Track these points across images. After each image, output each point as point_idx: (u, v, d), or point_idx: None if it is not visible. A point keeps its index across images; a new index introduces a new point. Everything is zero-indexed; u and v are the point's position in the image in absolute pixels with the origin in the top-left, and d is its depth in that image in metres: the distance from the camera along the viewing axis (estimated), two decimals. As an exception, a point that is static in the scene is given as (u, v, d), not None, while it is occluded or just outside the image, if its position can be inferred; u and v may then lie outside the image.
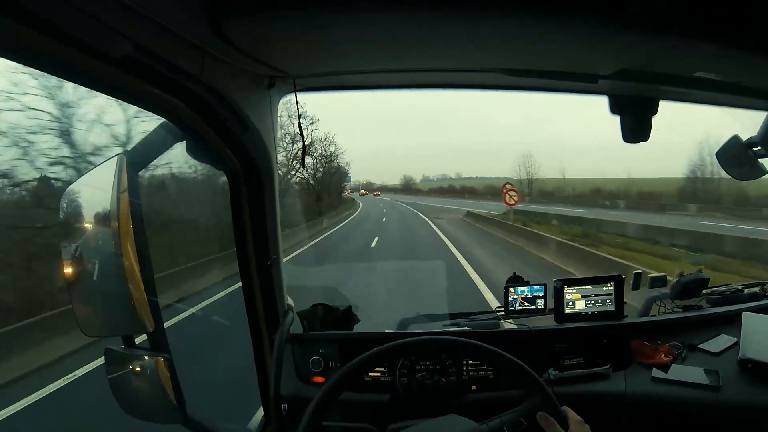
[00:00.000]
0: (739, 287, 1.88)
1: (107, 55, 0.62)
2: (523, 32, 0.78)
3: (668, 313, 1.74)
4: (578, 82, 1.02)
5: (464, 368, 1.42)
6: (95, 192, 1.03)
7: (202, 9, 0.66)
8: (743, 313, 1.56)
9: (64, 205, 1.05)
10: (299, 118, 1.05)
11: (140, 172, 0.99)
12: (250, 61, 0.86)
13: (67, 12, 0.53)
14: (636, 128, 1.19)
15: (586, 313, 1.62)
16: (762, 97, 1.19)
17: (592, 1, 0.69)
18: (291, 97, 1.09)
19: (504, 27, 0.75)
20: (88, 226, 1.04)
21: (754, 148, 1.43)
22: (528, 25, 0.74)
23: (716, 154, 1.49)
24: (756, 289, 1.91)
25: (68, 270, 1.04)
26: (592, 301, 1.62)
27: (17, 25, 0.52)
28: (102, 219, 1.01)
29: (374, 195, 60.39)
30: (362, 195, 58.05)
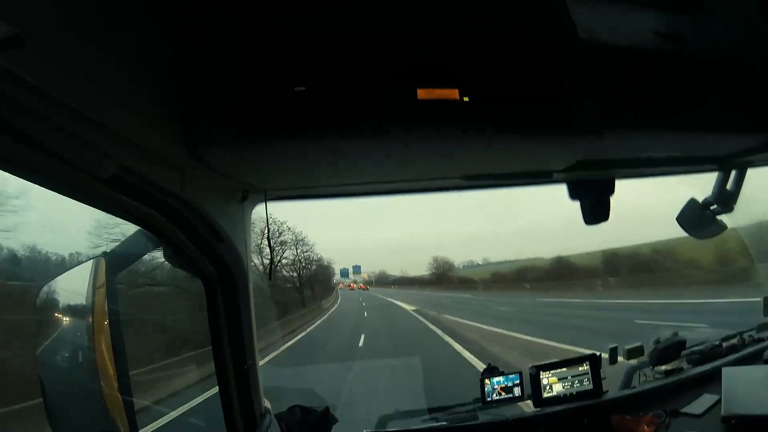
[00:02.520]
0: (717, 342, 1.90)
1: (96, 175, 0.66)
2: (477, 145, 0.83)
3: (650, 381, 1.74)
4: (535, 179, 1.09)
5: None
6: (73, 289, 1.03)
7: (181, 136, 0.71)
8: (723, 368, 1.57)
9: (42, 299, 1.05)
10: (268, 232, 1.09)
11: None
12: (224, 178, 0.90)
13: (60, 136, 0.57)
14: (596, 210, 1.25)
15: (565, 395, 1.62)
16: (709, 162, 1.28)
17: (538, 114, 0.76)
18: (263, 207, 1.14)
19: (458, 142, 0.81)
20: (64, 320, 1.04)
21: (711, 207, 1.51)
22: (481, 139, 0.80)
23: (677, 218, 1.57)
24: (734, 341, 1.94)
25: (41, 363, 1.02)
26: (569, 383, 1.63)
27: (16, 144, 0.55)
28: (77, 316, 1.01)
29: (349, 288, 52.85)
30: (342, 287, 53.00)
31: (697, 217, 1.55)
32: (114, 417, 0.96)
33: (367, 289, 52.77)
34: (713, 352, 1.83)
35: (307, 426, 1.48)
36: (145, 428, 3.57)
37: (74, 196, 0.71)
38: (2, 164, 0.60)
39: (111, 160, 0.65)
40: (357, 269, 51.82)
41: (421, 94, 0.71)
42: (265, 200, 1.11)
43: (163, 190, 0.79)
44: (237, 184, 0.98)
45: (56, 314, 1.08)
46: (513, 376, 1.63)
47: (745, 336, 1.97)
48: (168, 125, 0.69)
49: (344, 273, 49.31)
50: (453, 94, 0.72)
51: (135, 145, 0.66)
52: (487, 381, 1.62)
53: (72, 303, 1.07)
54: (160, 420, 4.51)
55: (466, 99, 0.72)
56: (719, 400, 1.48)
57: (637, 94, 0.85)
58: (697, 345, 1.90)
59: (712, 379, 1.59)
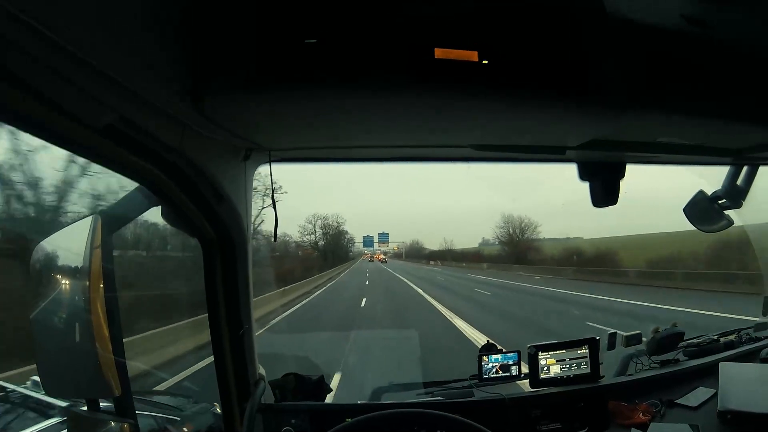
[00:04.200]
0: (715, 337, 1.90)
1: (91, 125, 0.64)
2: (492, 112, 0.81)
3: (645, 369, 1.74)
4: (546, 153, 1.07)
5: None
6: (67, 249, 1.01)
7: (184, 86, 0.68)
8: (720, 363, 1.57)
9: (37, 258, 1.03)
10: (273, 191, 1.06)
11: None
12: (228, 134, 0.88)
13: (57, 82, 0.55)
14: (605, 193, 1.23)
15: (562, 377, 1.61)
16: (722, 154, 1.26)
17: (559, 83, 0.73)
18: (265, 167, 1.11)
19: (473, 107, 0.79)
20: (58, 280, 1.02)
21: (720, 201, 1.50)
22: (496, 106, 0.78)
23: (684, 210, 1.55)
24: (732, 337, 1.94)
25: (34, 323, 1.01)
26: (567, 365, 1.62)
27: (12, 90, 0.53)
28: (72, 276, 0.99)
29: (369, 260, 49.03)
30: (364, 259, 50.42)
31: (704, 210, 1.54)
32: (108, 379, 0.95)
33: (385, 261, 47.80)
34: (710, 347, 1.83)
35: (301, 394, 1.49)
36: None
37: (69, 147, 0.69)
38: None
39: (108, 109, 0.63)
40: (383, 237, 45.46)
41: (439, 53, 0.68)
42: (269, 159, 1.08)
43: (163, 144, 0.76)
44: (240, 141, 0.95)
45: (51, 274, 1.06)
46: (511, 354, 1.62)
47: (743, 334, 1.97)
48: (171, 74, 0.66)
49: (368, 242, 44.64)
50: (472, 56, 0.69)
51: (134, 94, 0.64)
52: (485, 358, 1.61)
53: (68, 263, 1.04)
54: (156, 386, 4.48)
55: (485, 62, 0.69)
56: (715, 394, 1.48)
57: (658, 75, 0.82)
58: (694, 338, 1.90)
59: (709, 373, 1.59)
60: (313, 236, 39.14)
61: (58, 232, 1.05)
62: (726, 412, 1.37)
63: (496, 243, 42.25)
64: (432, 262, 47.95)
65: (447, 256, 49.72)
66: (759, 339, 1.92)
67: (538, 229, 39.45)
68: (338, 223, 40.98)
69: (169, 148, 0.78)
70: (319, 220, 39.78)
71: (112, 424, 0.99)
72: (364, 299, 14.36)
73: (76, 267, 0.98)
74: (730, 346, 1.87)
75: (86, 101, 0.60)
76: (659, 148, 1.15)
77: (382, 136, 1.01)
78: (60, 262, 1.04)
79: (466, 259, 44.47)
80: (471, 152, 1.09)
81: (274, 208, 1.06)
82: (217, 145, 0.92)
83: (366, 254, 51.13)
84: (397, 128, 0.92)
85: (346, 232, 42.91)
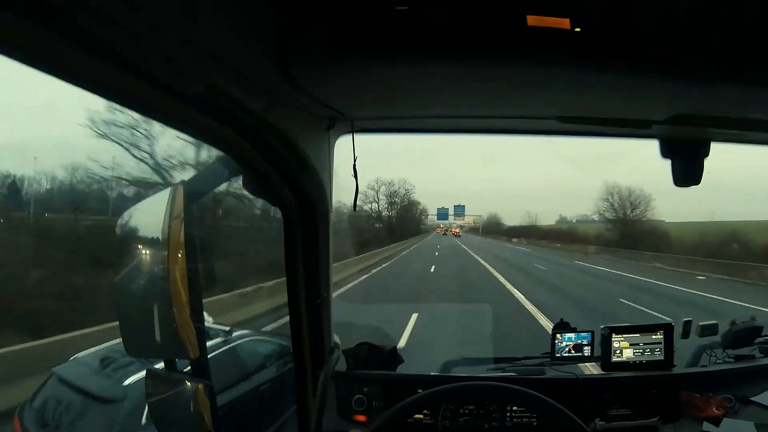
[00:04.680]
0: (794, 335, 1.77)
1: (179, 92, 0.66)
2: (581, 82, 0.78)
3: (719, 363, 1.65)
4: (631, 127, 1.02)
5: (508, 414, 1.38)
6: (151, 217, 1.07)
7: (271, 53, 0.69)
8: None
9: (120, 227, 1.10)
10: (354, 161, 1.07)
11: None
12: (312, 102, 0.89)
13: (143, 50, 0.57)
14: (687, 172, 1.16)
15: (634, 362, 1.56)
16: None
17: (650, 53, 0.69)
18: (348, 138, 1.12)
19: (560, 77, 0.76)
20: (140, 248, 1.08)
21: None
22: (586, 76, 0.75)
23: None
24: (812, 338, 1.79)
25: (118, 288, 1.07)
26: (641, 350, 1.56)
27: (99, 60, 0.55)
28: (154, 244, 1.04)
29: (444, 234, 45.62)
30: (438, 232, 47.47)
31: None
32: (184, 341, 1.00)
33: (459, 235, 44.56)
34: (789, 345, 1.70)
35: (374, 364, 1.52)
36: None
37: (154, 115, 0.71)
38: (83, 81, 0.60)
39: (195, 77, 0.64)
40: (459, 210, 40.72)
41: (531, 20, 0.66)
42: (352, 129, 1.09)
43: (248, 111, 0.78)
44: (324, 110, 0.96)
45: (133, 242, 1.12)
46: (585, 334, 1.58)
47: (824, 335, 1.82)
48: (257, 38, 0.67)
49: (442, 214, 40.82)
50: (564, 23, 0.66)
51: (220, 61, 0.65)
52: (558, 336, 1.58)
53: (149, 231, 1.10)
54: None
55: (577, 30, 0.67)
56: None
57: (752, 45, 0.75)
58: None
59: None
60: (375, 204, 35.02)
61: (142, 202, 1.11)
62: None
63: (596, 219, 33.77)
64: (515, 240, 41.99)
65: (531, 233, 42.15)
66: (841, 342, 1.76)
67: (653, 204, 30.11)
68: (406, 190, 36.98)
69: (255, 116, 0.80)
70: (383, 186, 35.77)
71: (188, 384, 1.05)
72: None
73: (157, 235, 1.04)
74: (810, 346, 1.73)
75: (172, 68, 0.61)
76: (748, 125, 1.07)
77: (466, 107, 0.99)
78: (142, 231, 1.10)
79: (554, 238, 36.39)
80: (555, 124, 1.05)
81: (356, 177, 1.07)
82: (301, 114, 0.93)
83: (440, 227, 47.84)
84: (483, 98, 0.90)
85: (418, 203, 39.68)
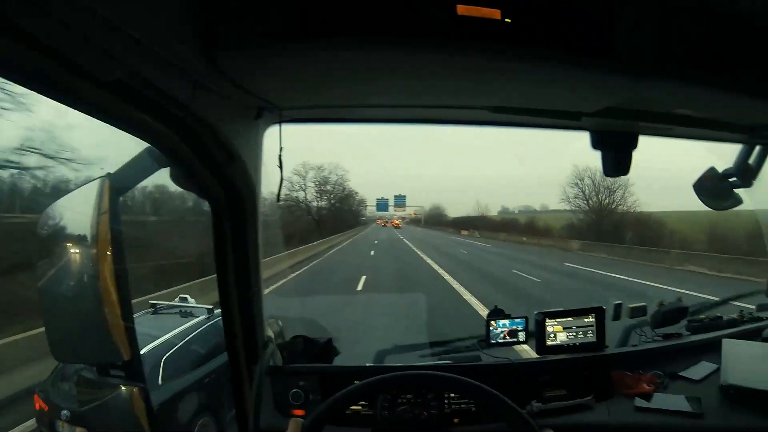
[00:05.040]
0: (719, 315, 1.91)
1: (99, 79, 0.62)
2: (512, 72, 0.80)
3: (649, 342, 1.75)
4: (562, 119, 1.05)
5: (446, 401, 1.40)
6: (75, 213, 1.01)
7: (196, 39, 0.67)
8: (723, 339, 1.58)
9: (44, 224, 1.03)
10: (280, 151, 1.05)
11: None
12: (240, 91, 0.86)
13: (63, 34, 0.54)
14: (617, 163, 1.23)
15: (568, 344, 1.62)
16: (737, 131, 1.25)
17: (581, 45, 0.72)
18: (277, 128, 1.09)
19: (491, 67, 0.78)
20: (66, 245, 1.02)
21: (730, 179, 1.49)
22: (516, 66, 0.76)
23: (693, 185, 1.55)
24: (734, 315, 1.95)
25: (43, 291, 1.01)
26: (574, 333, 1.63)
27: (15, 44, 0.52)
28: (80, 242, 0.98)
29: (384, 225, 44.08)
30: (378, 224, 45.67)
31: (714, 187, 1.53)
32: (117, 344, 0.96)
33: (399, 226, 41.81)
34: (713, 323, 1.84)
35: (309, 356, 1.50)
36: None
37: (76, 103, 0.67)
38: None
39: (116, 63, 0.61)
40: (400, 201, 38.68)
41: (461, 10, 0.67)
42: (281, 119, 1.06)
43: (173, 100, 0.75)
44: (252, 99, 0.94)
45: (58, 241, 1.05)
46: (519, 320, 1.63)
47: (745, 313, 1.98)
48: (183, 24, 0.64)
49: (382, 205, 38.54)
50: (494, 14, 0.68)
51: (144, 47, 0.61)
52: (493, 323, 1.61)
53: (75, 229, 1.04)
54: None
55: (507, 21, 0.68)
56: (717, 369, 1.50)
57: (680, 44, 0.80)
58: (697, 314, 1.91)
59: (712, 349, 1.60)
60: (302, 193, 30.05)
61: (64, 197, 1.04)
62: (728, 387, 1.39)
63: (567, 209, 28.44)
64: (465, 232, 37.50)
65: (482, 225, 37.96)
66: (761, 319, 1.93)
67: (630, 190, 25.42)
68: (338, 176, 32.24)
69: (180, 105, 0.76)
70: (311, 171, 30.65)
71: (123, 388, 1.01)
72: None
73: (84, 232, 0.98)
74: (732, 323, 1.88)
75: (94, 54, 0.58)
76: (674, 120, 1.14)
77: (398, 96, 0.99)
78: (67, 229, 1.04)
79: (514, 231, 32.02)
80: (488, 115, 1.07)
81: (281, 168, 1.06)
82: (228, 103, 0.90)
83: (380, 219, 45.74)
84: (414, 88, 0.90)
85: (356, 193, 36.01)
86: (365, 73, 0.80)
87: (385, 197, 38.23)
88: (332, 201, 32.40)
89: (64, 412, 3.18)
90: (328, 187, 31.92)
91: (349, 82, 0.86)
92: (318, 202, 31.21)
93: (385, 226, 43.80)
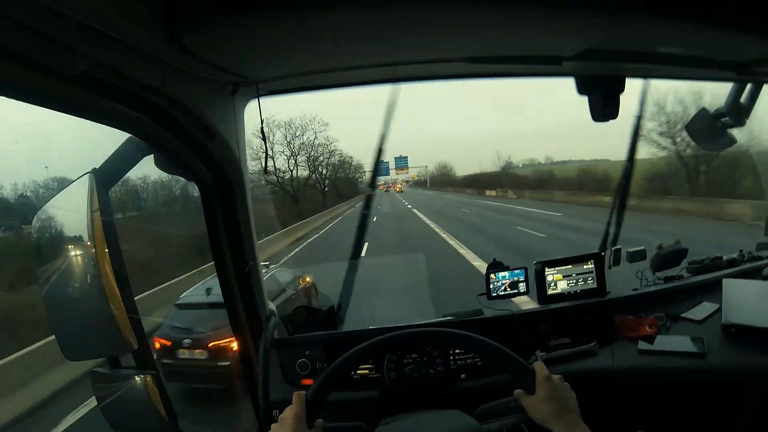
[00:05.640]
0: (718, 255, 1.93)
1: (65, 74, 0.61)
2: (483, 19, 0.78)
3: (650, 285, 1.77)
4: (543, 65, 1.04)
5: (451, 358, 1.43)
6: (67, 214, 1.01)
7: (158, 20, 0.66)
8: (723, 279, 1.60)
9: (37, 228, 1.03)
10: (261, 123, 1.05)
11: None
12: (210, 68, 0.85)
13: (20, 34, 0.53)
14: (604, 107, 1.21)
15: (569, 292, 1.65)
16: (727, 69, 1.22)
17: None
18: (256, 102, 1.08)
19: (463, 15, 0.76)
20: (64, 248, 1.03)
21: (722, 119, 1.47)
22: (487, 12, 0.75)
23: (685, 127, 1.53)
24: (734, 256, 1.96)
25: (47, 295, 1.02)
26: (574, 281, 1.65)
27: None
28: (77, 240, 0.99)
29: (386, 191, 41.02)
30: (381, 190, 42.03)
31: (707, 128, 1.52)
32: (125, 335, 0.98)
33: (401, 191, 38.25)
34: (713, 264, 1.86)
35: (312, 326, 1.52)
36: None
37: (43, 101, 0.67)
38: None
39: (79, 56, 0.60)
40: (401, 162, 34.50)
41: None
42: (257, 93, 1.06)
43: (144, 86, 0.74)
44: (225, 75, 0.93)
45: (55, 245, 1.06)
46: (518, 271, 1.64)
47: (745, 253, 1.99)
48: (142, 8, 0.63)
49: (382, 170, 27.99)
50: None
51: (106, 36, 0.61)
52: (492, 276, 1.63)
53: (70, 230, 1.04)
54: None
55: None
56: (719, 309, 1.52)
57: None
58: (697, 256, 1.92)
59: (713, 289, 1.62)
60: (287, 163, 24.90)
61: (53, 199, 1.04)
62: (730, 326, 1.41)
63: (542, 162, 27.15)
64: (492, 193, 29.34)
65: (514, 183, 29.99)
66: (761, 258, 1.94)
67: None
68: (327, 140, 27.33)
69: (152, 90, 0.76)
70: (278, 131, 24.92)
71: (135, 378, 1.03)
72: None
73: (79, 232, 0.98)
74: (732, 264, 1.89)
75: (55, 49, 0.57)
76: (659, 60, 1.11)
77: (372, 55, 0.98)
78: (61, 231, 1.04)
79: (545, 187, 25.70)
80: (466, 66, 1.06)
81: (264, 140, 1.05)
82: (201, 82, 0.89)
83: (382, 185, 41.80)
84: (389, 44, 0.89)
85: (350, 158, 31.77)
86: (337, 34, 0.79)
87: (385, 161, 34.89)
88: (319, 169, 27.22)
89: (186, 340, 4.49)
90: (311, 152, 26.22)
91: (321, 45, 0.84)
92: (292, 172, 25.05)
93: (387, 191, 40.66)
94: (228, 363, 4.29)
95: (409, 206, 25.05)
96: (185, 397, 4.58)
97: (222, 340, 4.34)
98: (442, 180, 44.60)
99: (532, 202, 22.16)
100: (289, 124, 25.45)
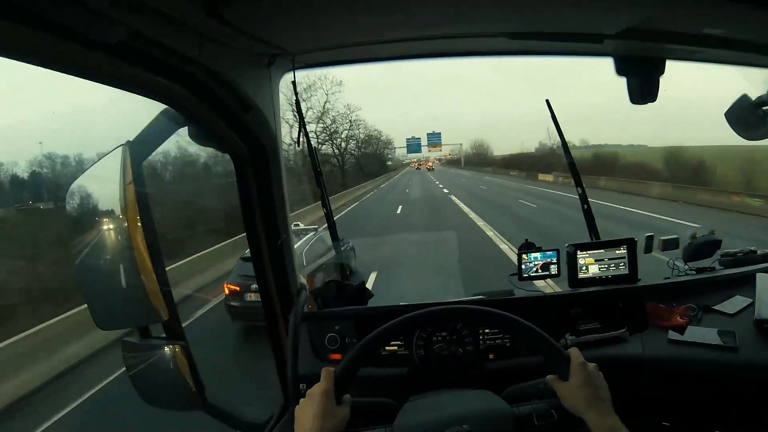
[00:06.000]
0: (752, 249, 1.86)
1: (102, 43, 0.61)
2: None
3: (681, 275, 1.73)
4: (582, 43, 1.00)
5: (481, 337, 1.42)
6: (102, 185, 1.02)
7: None
8: (757, 273, 1.55)
9: (72, 200, 1.05)
10: (296, 97, 1.04)
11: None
12: (248, 40, 0.84)
13: (57, 2, 0.53)
14: (643, 89, 1.17)
15: (600, 277, 1.62)
16: None
17: None
18: (291, 75, 1.08)
19: None
20: (97, 220, 1.04)
21: (764, 107, 1.40)
22: None
23: (725, 114, 1.47)
24: (768, 250, 1.89)
25: (80, 265, 1.04)
26: (606, 265, 1.62)
27: (6, 22, 0.51)
28: (110, 212, 1.01)
29: (417, 168, 39.71)
30: (412, 167, 41.33)
31: (747, 116, 1.45)
32: (156, 306, 1.00)
33: (432, 169, 36.42)
34: (747, 258, 1.80)
35: (342, 300, 1.52)
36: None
37: (80, 71, 0.67)
38: None
39: (117, 24, 0.60)
40: (434, 139, 31.93)
41: None
42: (293, 65, 1.05)
43: (181, 56, 0.74)
44: (262, 47, 0.92)
45: (89, 217, 1.08)
46: (551, 252, 1.62)
47: (781, 247, 1.92)
48: None
49: (413, 146, 32.37)
50: None
51: (144, 5, 0.60)
52: (524, 256, 1.61)
53: (103, 202, 1.06)
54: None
55: None
56: (751, 304, 1.47)
57: None
58: (731, 248, 1.86)
59: (746, 283, 1.57)
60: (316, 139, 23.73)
61: (87, 172, 1.06)
62: (763, 321, 1.37)
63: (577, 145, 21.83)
64: (548, 177, 23.31)
65: (555, 165, 22.90)
66: (797, 254, 1.87)
67: None
68: (350, 110, 26.20)
69: (188, 60, 0.76)
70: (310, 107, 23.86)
71: (164, 347, 1.05)
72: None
73: (112, 205, 1.00)
74: (766, 258, 1.83)
75: (93, 18, 0.57)
76: (703, 42, 1.06)
77: (409, 28, 0.96)
78: (95, 203, 1.06)
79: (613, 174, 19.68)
80: (504, 42, 1.03)
81: (300, 113, 1.05)
82: (238, 53, 0.89)
83: (413, 163, 40.70)
84: (427, 18, 0.87)
85: (379, 133, 30.46)
86: (373, 5, 0.77)
87: (417, 136, 31.51)
88: (341, 145, 25.51)
89: (253, 285, 4.83)
90: (338, 126, 25.05)
91: (357, 17, 0.83)
92: (327, 146, 24.18)
93: (418, 169, 38.42)
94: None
95: (446, 191, 21.25)
96: (211, 368, 4.81)
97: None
98: (478, 159, 41.26)
99: (618, 196, 15.74)
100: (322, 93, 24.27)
